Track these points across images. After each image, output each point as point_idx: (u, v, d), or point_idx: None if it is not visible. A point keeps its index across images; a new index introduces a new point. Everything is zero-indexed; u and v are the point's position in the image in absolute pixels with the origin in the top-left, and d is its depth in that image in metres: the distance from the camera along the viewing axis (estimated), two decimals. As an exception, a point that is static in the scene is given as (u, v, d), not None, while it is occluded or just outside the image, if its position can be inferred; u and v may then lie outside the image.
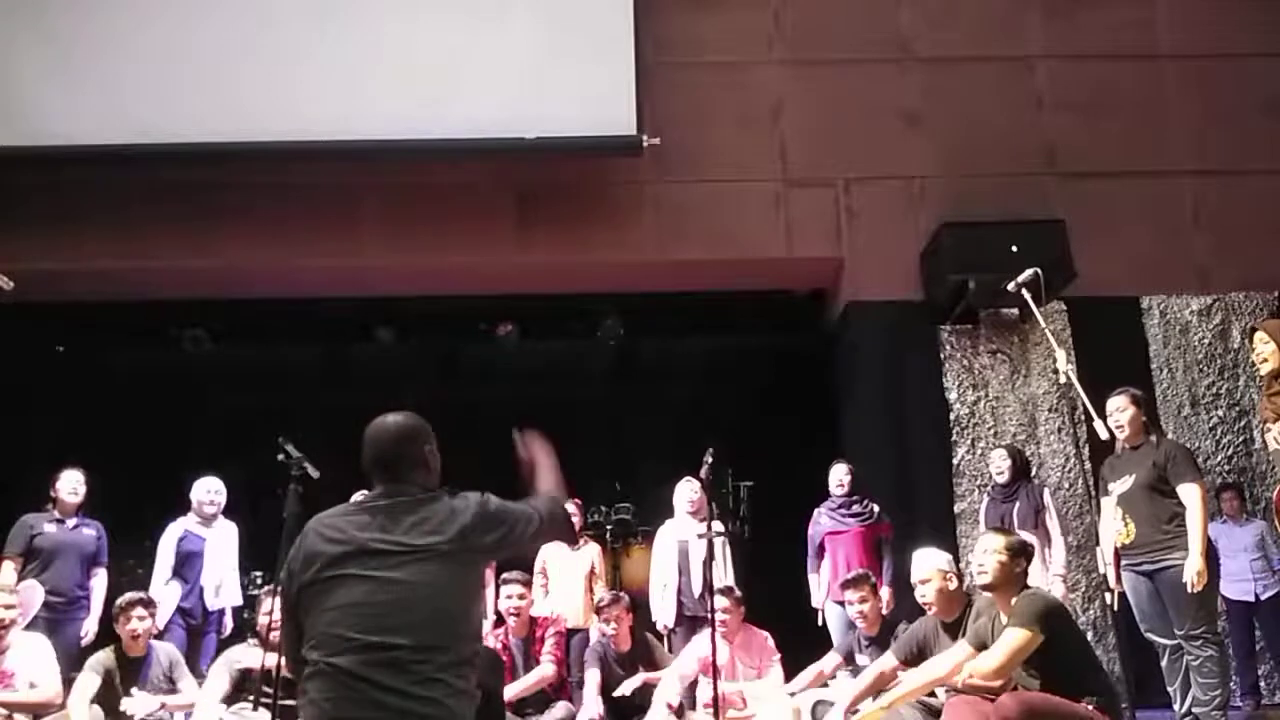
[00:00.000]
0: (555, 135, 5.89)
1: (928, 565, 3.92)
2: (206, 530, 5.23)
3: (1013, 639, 3.20)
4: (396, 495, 2.17)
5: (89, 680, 4.23)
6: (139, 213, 6.02)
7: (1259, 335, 3.95)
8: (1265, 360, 3.91)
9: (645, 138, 5.94)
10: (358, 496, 2.63)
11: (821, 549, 5.33)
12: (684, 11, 6.51)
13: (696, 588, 5.19)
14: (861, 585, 4.39)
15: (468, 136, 5.88)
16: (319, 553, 2.08)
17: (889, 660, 3.91)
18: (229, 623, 5.29)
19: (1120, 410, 4.22)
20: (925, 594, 3.88)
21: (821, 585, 5.30)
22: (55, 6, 6.00)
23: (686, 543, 5.31)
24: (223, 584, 5.19)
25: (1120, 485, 4.19)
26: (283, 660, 2.35)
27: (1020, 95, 6.49)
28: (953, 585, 3.87)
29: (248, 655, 4.29)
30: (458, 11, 6.12)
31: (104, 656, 4.35)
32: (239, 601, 5.40)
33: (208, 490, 5.28)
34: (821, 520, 5.35)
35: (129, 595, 4.50)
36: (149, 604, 4.50)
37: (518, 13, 6.12)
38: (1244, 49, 6.52)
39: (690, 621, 5.18)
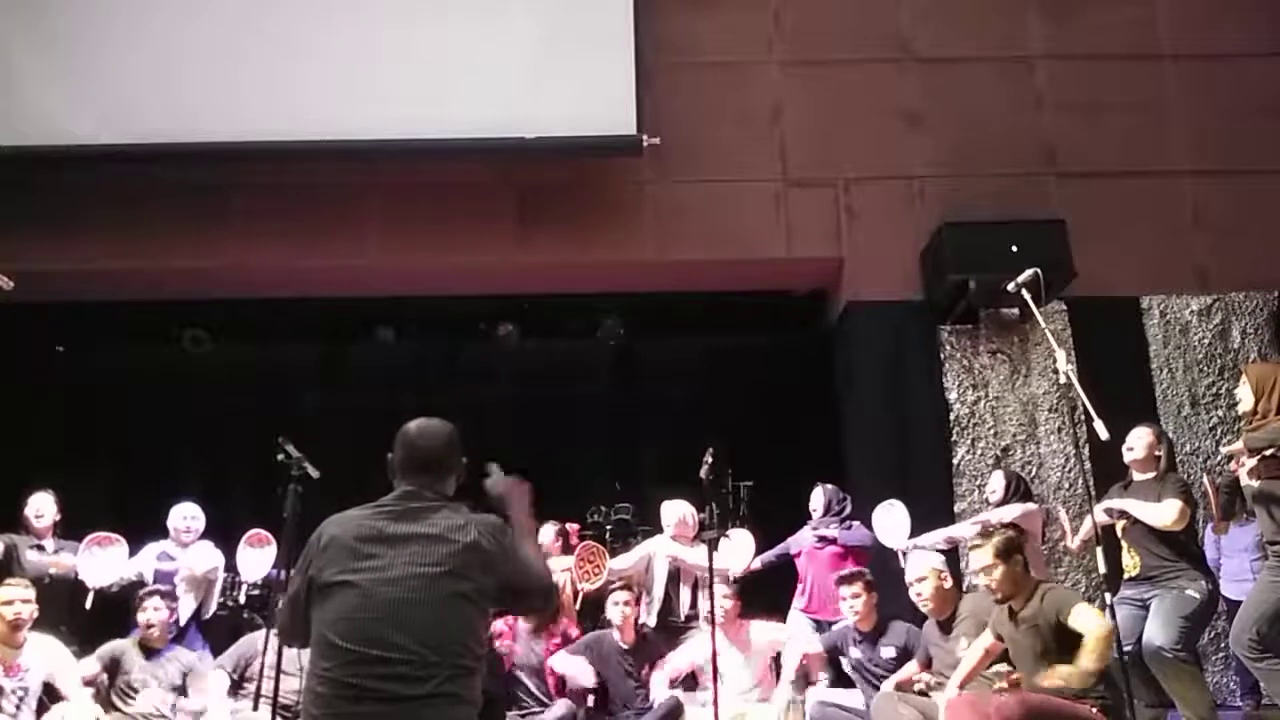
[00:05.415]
0: (555, 135, 5.89)
1: (924, 565, 4.02)
2: (181, 551, 5.21)
3: (1092, 610, 3.35)
4: (423, 500, 2.16)
5: (89, 664, 4.34)
6: (139, 213, 6.02)
7: (1243, 377, 3.96)
8: (1240, 401, 3.95)
9: (645, 138, 5.94)
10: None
11: (791, 556, 5.37)
12: (684, 11, 6.51)
13: (684, 608, 5.19)
14: (855, 581, 4.48)
15: (468, 136, 5.88)
16: (332, 554, 2.07)
17: (913, 665, 4.14)
18: (198, 638, 5.16)
19: (1139, 438, 4.23)
20: (921, 592, 3.97)
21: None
22: (55, 7, 6.00)
23: (677, 559, 5.25)
24: (191, 602, 5.12)
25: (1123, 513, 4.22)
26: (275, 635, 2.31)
27: (1020, 95, 6.49)
28: (948, 584, 3.95)
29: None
30: (457, 11, 6.12)
31: (114, 646, 4.42)
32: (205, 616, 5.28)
33: (184, 516, 5.25)
34: (804, 536, 5.36)
35: (149, 587, 4.65)
36: (168, 595, 4.62)
37: (517, 13, 6.12)
38: (1244, 49, 6.52)
39: (670, 628, 5.14)
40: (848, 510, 5.35)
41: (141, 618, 4.45)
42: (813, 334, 6.94)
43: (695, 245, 6.26)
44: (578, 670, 4.55)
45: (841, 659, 4.62)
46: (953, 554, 4.99)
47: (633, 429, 7.74)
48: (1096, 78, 6.48)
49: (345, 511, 2.19)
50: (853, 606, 4.43)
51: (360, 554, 2.05)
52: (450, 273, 6.40)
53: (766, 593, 5.44)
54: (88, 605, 4.89)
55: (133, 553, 5.11)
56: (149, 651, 4.44)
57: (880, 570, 4.91)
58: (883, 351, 6.10)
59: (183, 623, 4.99)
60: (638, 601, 4.87)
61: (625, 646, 4.69)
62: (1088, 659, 3.26)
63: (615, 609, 4.73)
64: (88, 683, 4.29)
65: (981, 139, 6.33)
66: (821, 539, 5.26)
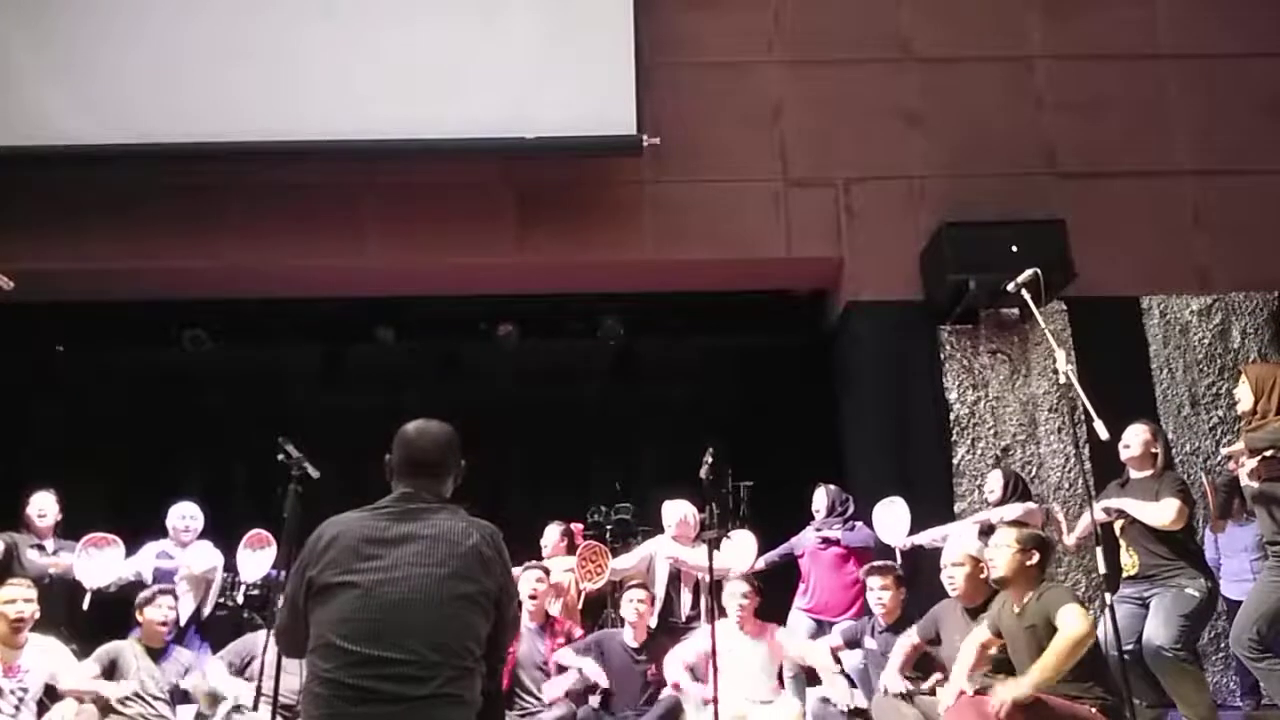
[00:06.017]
0: (555, 135, 5.90)
1: (962, 549, 3.99)
2: (180, 551, 5.22)
3: (1078, 611, 3.22)
4: (421, 501, 2.16)
5: (87, 666, 4.33)
6: (139, 213, 6.02)
7: (1242, 377, 3.96)
8: (1239, 401, 3.97)
9: (645, 138, 5.95)
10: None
11: (794, 556, 5.36)
12: (684, 11, 6.52)
13: (685, 608, 5.18)
14: (886, 573, 4.45)
15: (468, 136, 5.88)
16: (333, 555, 2.06)
17: (913, 636, 4.07)
18: (196, 638, 5.18)
19: (1136, 435, 4.23)
20: (954, 576, 3.95)
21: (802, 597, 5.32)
22: (54, 6, 5.99)
23: (678, 560, 5.24)
24: (190, 602, 5.13)
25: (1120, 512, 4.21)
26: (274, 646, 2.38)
27: (1020, 95, 6.49)
28: (983, 573, 3.91)
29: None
30: (457, 12, 6.13)
31: (112, 647, 4.41)
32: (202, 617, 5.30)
33: (182, 516, 5.25)
34: (807, 537, 5.36)
35: (154, 587, 4.65)
36: (173, 594, 4.64)
37: (517, 13, 6.12)
38: (1244, 49, 6.52)
39: (671, 629, 5.13)
40: (850, 511, 5.35)
41: (153, 614, 4.45)
42: (813, 334, 6.94)
43: (695, 245, 6.26)
44: (590, 670, 4.51)
45: (855, 650, 4.61)
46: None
47: (633, 429, 7.74)
48: (1096, 78, 6.49)
49: (344, 513, 2.18)
50: (879, 599, 4.39)
51: (362, 554, 2.05)
52: (450, 273, 6.41)
53: (767, 593, 5.42)
54: (85, 606, 4.89)
55: (132, 552, 5.11)
56: (148, 652, 4.44)
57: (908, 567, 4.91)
58: (883, 351, 6.10)
59: (182, 623, 4.99)
60: (652, 601, 4.86)
61: (635, 645, 4.68)
62: (1038, 669, 3.11)
63: (630, 606, 4.72)
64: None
65: (981, 139, 6.33)
66: (824, 540, 5.25)
